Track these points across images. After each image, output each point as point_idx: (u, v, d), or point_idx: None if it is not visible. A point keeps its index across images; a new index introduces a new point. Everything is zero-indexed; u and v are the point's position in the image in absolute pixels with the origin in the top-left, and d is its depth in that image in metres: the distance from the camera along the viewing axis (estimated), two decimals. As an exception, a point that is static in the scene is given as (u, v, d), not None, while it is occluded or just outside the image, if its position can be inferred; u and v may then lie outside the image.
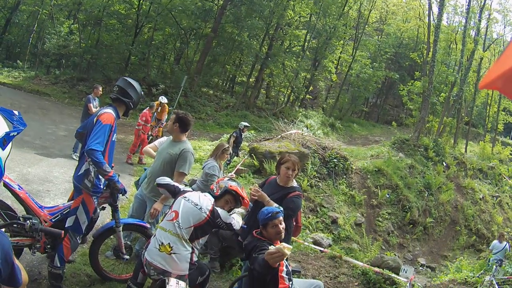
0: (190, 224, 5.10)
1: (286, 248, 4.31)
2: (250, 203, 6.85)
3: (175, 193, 5.51)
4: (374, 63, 43.44)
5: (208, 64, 35.48)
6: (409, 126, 40.97)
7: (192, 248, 5.16)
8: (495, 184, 34.37)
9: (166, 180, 5.69)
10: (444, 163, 28.93)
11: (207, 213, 5.17)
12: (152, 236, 5.30)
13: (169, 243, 5.02)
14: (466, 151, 41.50)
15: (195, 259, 5.24)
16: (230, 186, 5.48)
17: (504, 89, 1.65)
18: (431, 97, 33.46)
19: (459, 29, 42.15)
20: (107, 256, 6.96)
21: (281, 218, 5.13)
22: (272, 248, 4.50)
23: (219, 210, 5.32)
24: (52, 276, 5.66)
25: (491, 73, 1.60)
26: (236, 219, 5.52)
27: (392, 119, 46.96)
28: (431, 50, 33.17)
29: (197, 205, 5.18)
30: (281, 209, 5.28)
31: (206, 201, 5.29)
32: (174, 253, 5.01)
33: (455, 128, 42.24)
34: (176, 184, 5.66)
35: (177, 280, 4.91)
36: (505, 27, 47.24)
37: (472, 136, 50.72)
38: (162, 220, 5.36)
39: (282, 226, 5.13)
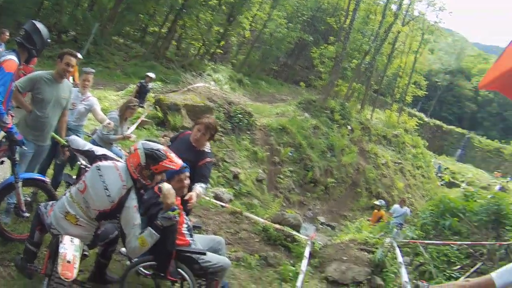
0: (95, 207, 4.65)
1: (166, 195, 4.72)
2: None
3: (91, 158, 5.02)
4: (290, 24, 43.35)
5: (121, 12, 34.25)
6: (317, 88, 41.36)
7: (98, 226, 4.84)
8: (398, 151, 35.59)
9: (79, 143, 5.22)
10: (349, 126, 29.47)
11: (114, 202, 4.65)
12: (61, 197, 4.92)
13: (75, 215, 4.64)
14: (372, 117, 42.47)
15: (100, 231, 4.94)
16: (155, 167, 4.75)
17: (503, 89, 1.70)
18: (343, 62, 33.85)
19: (381, 1, 42.60)
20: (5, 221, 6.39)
21: (187, 173, 5.10)
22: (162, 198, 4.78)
23: (126, 211, 4.71)
24: None
25: (491, 74, 1.63)
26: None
27: (301, 80, 47.33)
28: (349, 17, 33.36)
29: (107, 188, 4.63)
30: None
31: (118, 185, 4.68)
32: (79, 225, 4.65)
33: (363, 94, 43.28)
34: (92, 148, 5.14)
35: (72, 238, 4.55)
36: (428, 7, 48.25)
37: (379, 104, 52.09)
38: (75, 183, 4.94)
39: (187, 182, 5.11)
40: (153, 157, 4.65)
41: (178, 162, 4.90)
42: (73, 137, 5.27)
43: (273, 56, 47.05)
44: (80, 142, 5.28)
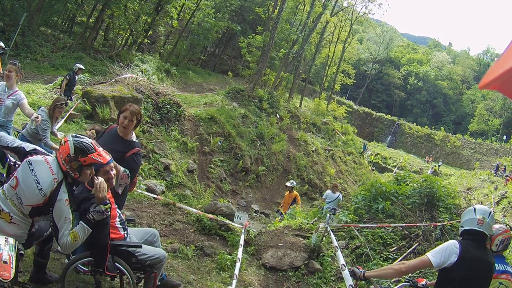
0: (28, 203, 4.57)
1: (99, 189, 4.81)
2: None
3: (22, 154, 4.90)
4: (218, 13, 43.19)
5: (49, 2, 33.34)
6: (245, 78, 41.61)
7: (33, 222, 4.74)
8: (328, 138, 36.31)
9: (8, 139, 5.08)
10: (277, 115, 29.79)
11: (46, 196, 4.58)
12: None
13: (9, 213, 4.57)
14: (301, 105, 43.13)
15: (34, 229, 4.84)
16: (83, 159, 4.68)
17: (503, 89, 1.70)
18: (271, 52, 34.05)
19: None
20: None
21: (112, 164, 5.04)
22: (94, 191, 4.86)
23: (60, 199, 4.66)
24: None
25: (491, 73, 1.63)
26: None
27: (229, 69, 47.74)
28: (278, 7, 33.54)
29: (38, 183, 4.56)
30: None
31: (49, 179, 4.61)
32: (14, 223, 4.58)
33: (291, 83, 43.66)
34: (21, 144, 5.00)
35: (6, 237, 4.47)
36: (357, -2, 49.09)
37: (308, 93, 53.00)
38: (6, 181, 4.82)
39: (113, 172, 5.10)
40: (81, 149, 4.63)
41: (106, 157, 4.89)
42: (0, 134, 5.12)
43: (201, 46, 46.62)
44: (9, 138, 5.16)
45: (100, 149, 4.84)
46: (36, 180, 4.58)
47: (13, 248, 4.44)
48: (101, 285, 5.61)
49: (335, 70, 53.34)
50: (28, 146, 4.95)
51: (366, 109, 74.10)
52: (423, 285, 5.66)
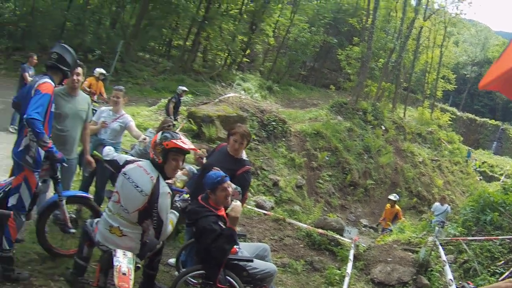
0: (133, 208, 4.86)
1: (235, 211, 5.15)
2: (193, 169, 7.28)
3: (118, 168, 5.14)
4: (312, 28, 43.33)
5: (144, 28, 34.64)
6: (347, 90, 41.05)
7: (143, 232, 5.00)
8: (434, 148, 35.33)
9: (111, 154, 5.41)
10: (382, 126, 29.27)
11: (147, 196, 4.81)
12: (102, 215, 5.14)
13: (118, 226, 4.87)
14: (405, 115, 42.19)
15: (146, 239, 5.10)
16: (166, 143, 4.90)
17: (503, 89, 1.68)
18: (370, 62, 33.62)
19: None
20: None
21: (228, 181, 5.34)
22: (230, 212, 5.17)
23: (162, 197, 4.86)
24: (3, 260, 5.37)
25: (491, 74, 1.61)
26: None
27: (330, 83, 47.32)
28: (371, 17, 33.16)
29: (137, 186, 4.83)
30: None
31: (146, 180, 4.85)
32: (125, 235, 4.88)
33: (393, 93, 42.93)
34: (114, 157, 5.32)
35: (124, 251, 4.80)
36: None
37: (410, 102, 51.76)
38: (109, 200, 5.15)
39: (230, 190, 5.35)
40: (166, 135, 4.91)
41: (190, 145, 5.06)
42: (105, 148, 5.50)
43: (300, 61, 47.03)
44: (105, 151, 5.49)
45: (184, 139, 5.04)
46: (135, 185, 4.81)
47: (132, 261, 4.71)
48: None
49: (435, 76, 51.95)
50: (121, 159, 5.18)
51: (470, 115, 71.59)
52: None
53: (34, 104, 5.01)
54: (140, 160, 5.13)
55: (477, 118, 71.27)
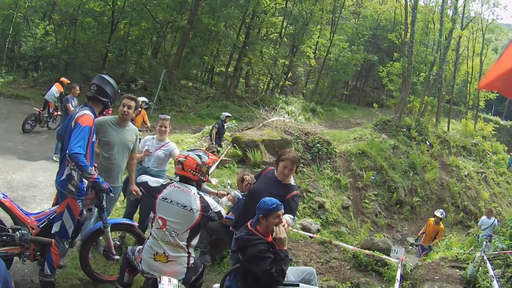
0: (184, 229, 5.02)
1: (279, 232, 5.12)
2: (238, 194, 7.26)
3: (152, 192, 5.25)
4: (353, 46, 43.25)
5: (186, 56, 35.12)
6: (390, 107, 40.91)
7: (189, 252, 5.10)
8: (479, 160, 34.72)
9: (143, 178, 5.47)
10: (427, 142, 29.03)
11: (199, 211, 5.04)
12: (145, 243, 5.21)
13: (164, 252, 4.96)
14: (448, 129, 41.63)
15: (191, 261, 5.18)
16: (207, 162, 5.28)
17: (503, 89, 1.69)
18: (411, 77, 33.48)
19: (436, 9, 42.11)
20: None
21: (282, 210, 5.25)
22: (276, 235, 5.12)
23: (206, 199, 5.21)
24: (44, 285, 5.56)
25: (491, 74, 1.63)
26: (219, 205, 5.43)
27: (373, 101, 46.96)
28: (409, 31, 33.02)
29: (185, 206, 4.99)
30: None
31: (192, 198, 5.08)
32: (171, 261, 4.97)
33: (436, 107, 42.23)
34: (151, 182, 5.36)
35: (169, 278, 4.86)
36: (482, 5, 47.52)
37: (454, 114, 51.03)
38: (151, 227, 5.22)
39: (284, 219, 5.30)
40: (201, 156, 5.16)
41: (213, 156, 5.41)
42: (146, 177, 5.52)
43: (342, 81, 46.97)
44: (141, 177, 5.59)
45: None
46: (181, 206, 4.99)
47: None
48: None
49: (476, 87, 50.92)
50: (152, 182, 5.31)
51: (513, 123, 70.16)
52: None
53: (75, 138, 5.18)
54: (171, 182, 5.26)
55: (521, 125, 69.60)
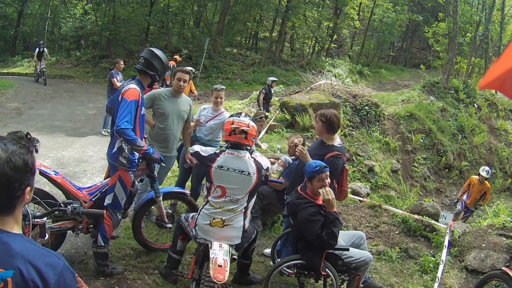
0: (243, 194, 5.08)
1: (326, 193, 5.22)
2: (288, 159, 7.27)
3: (205, 161, 5.27)
4: (396, 7, 42.34)
5: (228, 24, 35.15)
6: (437, 69, 40.13)
7: (245, 216, 5.17)
8: (529, 124, 33.77)
9: (195, 148, 5.50)
10: (475, 104, 28.46)
11: (255, 174, 5.11)
12: (200, 210, 5.27)
13: (221, 218, 5.02)
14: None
15: (247, 225, 5.27)
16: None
17: (504, 89, 1.66)
18: (457, 37, 32.72)
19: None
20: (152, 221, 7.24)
21: (327, 173, 5.30)
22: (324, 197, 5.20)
23: (259, 159, 5.30)
24: (98, 256, 5.75)
25: (491, 74, 1.61)
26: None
27: (420, 62, 46.26)
28: (453, -11, 32.13)
29: (242, 171, 5.05)
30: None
31: (247, 162, 5.15)
32: (227, 225, 5.04)
33: (483, 68, 41.30)
34: (202, 152, 5.36)
35: (221, 243, 4.94)
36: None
37: (502, 76, 49.81)
38: (207, 195, 5.26)
39: (328, 181, 5.30)
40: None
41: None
42: (197, 147, 5.53)
43: (388, 42, 46.19)
44: (197, 148, 5.52)
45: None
46: (239, 171, 5.05)
47: (227, 253, 4.86)
48: (305, 287, 5.83)
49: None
50: (205, 151, 5.32)
51: None
52: None
53: (121, 114, 5.24)
54: (223, 150, 5.27)
55: None
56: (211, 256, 4.75)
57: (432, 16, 46.98)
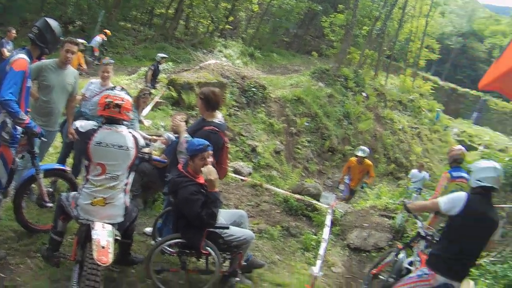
0: (123, 170, 4.92)
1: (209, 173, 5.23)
2: (171, 136, 6.86)
3: (83, 137, 4.98)
4: (298, -6, 42.86)
5: (126, -3, 34.17)
6: (329, 57, 40.96)
7: (126, 192, 5.02)
8: (415, 116, 35.64)
9: (76, 123, 5.16)
10: (363, 93, 29.33)
11: (134, 148, 4.96)
12: (79, 189, 5.02)
13: (102, 196, 4.81)
14: (386, 83, 42.20)
15: (128, 201, 5.12)
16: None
17: (503, 89, 1.83)
18: (354, 29, 33.55)
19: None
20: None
21: (210, 151, 5.28)
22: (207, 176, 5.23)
23: (135, 134, 5.13)
24: None
25: (490, 74, 1.76)
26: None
27: (313, 50, 46.86)
28: (358, -17, 32.89)
29: (121, 146, 4.86)
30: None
31: (126, 136, 4.95)
32: (109, 203, 4.84)
33: (376, 60, 42.97)
34: (81, 128, 5.05)
35: (103, 223, 4.74)
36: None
37: (393, 70, 51.80)
38: (87, 174, 4.97)
39: (210, 160, 5.29)
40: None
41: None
42: (78, 122, 5.18)
43: (283, 28, 46.29)
44: (78, 124, 5.22)
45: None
46: (117, 146, 4.86)
47: (111, 234, 4.66)
48: (186, 266, 5.71)
49: (419, 45, 52.00)
50: (84, 127, 5.01)
51: (452, 85, 71.98)
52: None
53: (7, 84, 5.02)
54: (100, 126, 4.99)
55: (458, 88, 71.85)
56: (93, 237, 4.56)
57: (331, 7, 47.82)
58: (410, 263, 6.19)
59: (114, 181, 4.84)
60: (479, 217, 4.94)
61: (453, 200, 5.09)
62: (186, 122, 6.68)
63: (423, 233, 6.23)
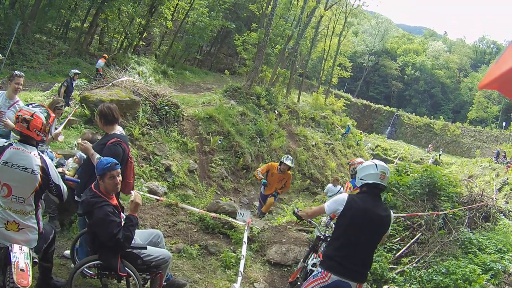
0: (28, 193, 4.76)
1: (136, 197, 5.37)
2: (83, 155, 6.91)
3: None
4: (212, 12, 43.10)
5: (43, 9, 33.28)
6: (242, 75, 41.67)
7: (38, 217, 4.92)
8: (328, 132, 36.34)
9: None
10: (276, 111, 29.75)
11: (40, 172, 4.82)
12: None
13: (14, 221, 4.71)
14: (299, 100, 43.10)
15: (41, 226, 5.02)
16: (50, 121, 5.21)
17: (503, 89, 1.70)
18: (267, 48, 33.96)
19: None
20: None
21: (118, 170, 5.22)
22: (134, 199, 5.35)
23: (48, 161, 5.02)
24: None
25: (490, 74, 1.65)
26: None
27: (226, 68, 47.61)
28: (272, 3, 33.36)
29: (26, 168, 4.72)
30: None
31: (32, 159, 4.82)
32: (22, 229, 4.75)
33: (288, 78, 43.58)
34: None
35: (20, 246, 4.65)
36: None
37: (305, 87, 53.09)
38: None
39: (119, 178, 5.24)
40: (48, 112, 5.10)
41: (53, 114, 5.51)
42: None
43: (197, 46, 46.62)
44: None
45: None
46: (22, 168, 4.74)
47: (28, 256, 4.63)
48: None
49: (331, 64, 53.45)
50: None
51: (365, 101, 74.57)
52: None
53: None
54: (10, 144, 4.92)
55: (371, 104, 74.44)
56: (12, 259, 4.49)
57: (245, 26, 48.55)
58: (313, 265, 6.50)
59: (20, 205, 4.74)
60: (362, 214, 5.14)
61: (335, 202, 5.35)
62: (92, 139, 6.78)
63: (321, 235, 6.68)
